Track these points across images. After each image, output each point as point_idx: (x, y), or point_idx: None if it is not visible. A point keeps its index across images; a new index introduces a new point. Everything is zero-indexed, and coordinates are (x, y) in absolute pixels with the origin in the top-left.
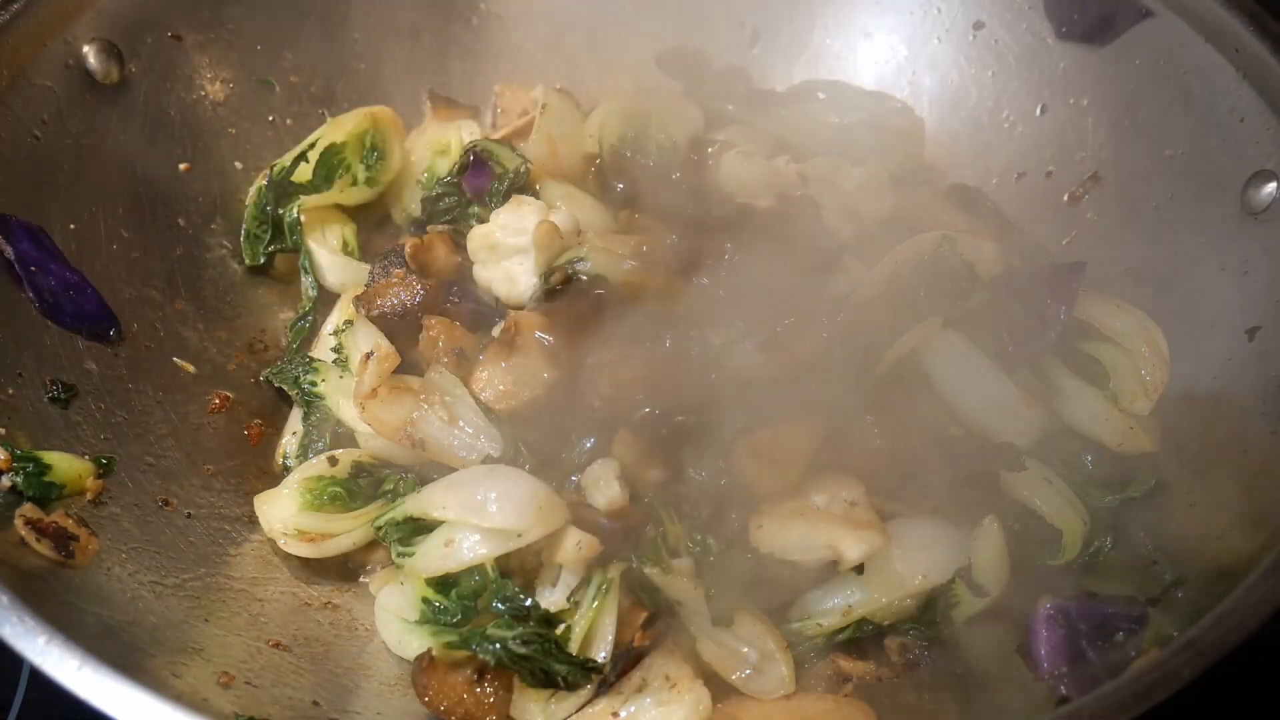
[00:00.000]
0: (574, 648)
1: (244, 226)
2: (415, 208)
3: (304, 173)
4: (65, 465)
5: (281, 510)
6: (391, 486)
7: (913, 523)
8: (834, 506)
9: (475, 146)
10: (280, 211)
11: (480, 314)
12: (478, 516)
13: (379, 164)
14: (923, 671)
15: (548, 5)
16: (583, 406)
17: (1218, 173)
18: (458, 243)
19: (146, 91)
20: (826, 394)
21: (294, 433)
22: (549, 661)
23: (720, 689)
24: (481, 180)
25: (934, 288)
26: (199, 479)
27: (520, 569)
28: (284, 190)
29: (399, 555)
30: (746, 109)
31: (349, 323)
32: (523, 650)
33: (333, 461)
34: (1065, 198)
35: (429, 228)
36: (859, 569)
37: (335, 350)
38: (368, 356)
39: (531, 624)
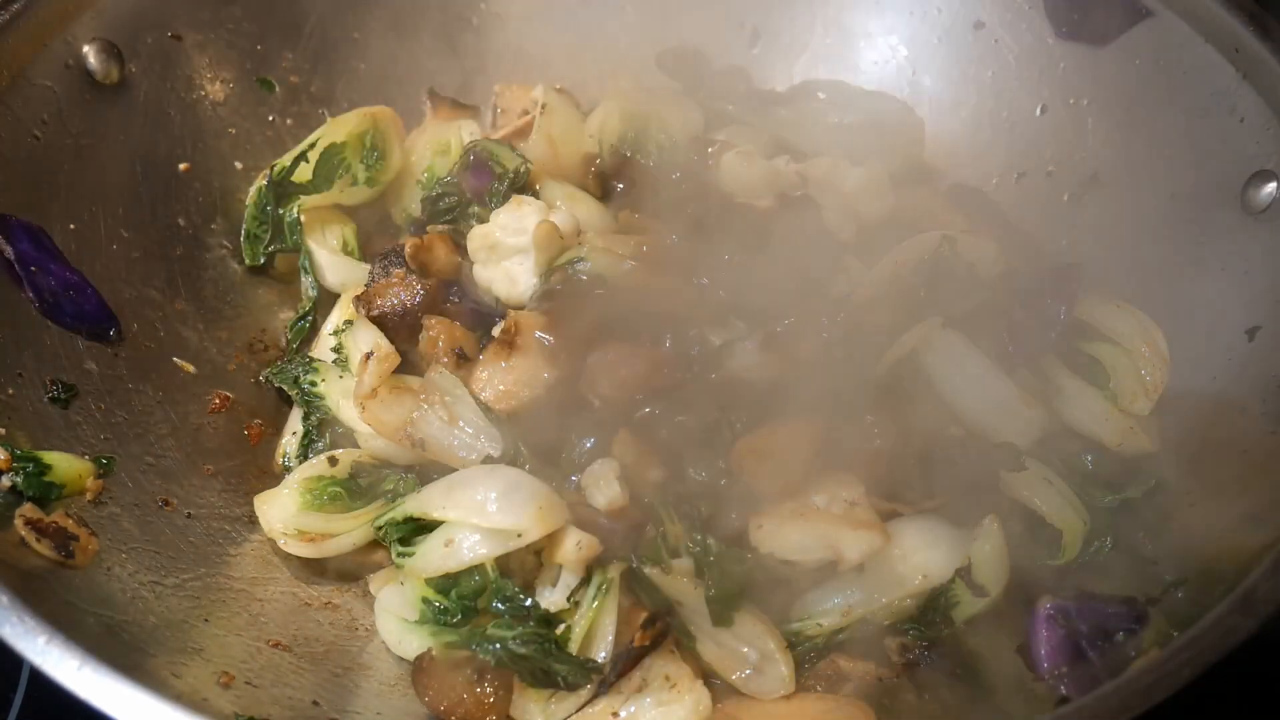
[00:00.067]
0: (574, 648)
1: (244, 226)
2: (415, 208)
3: (304, 173)
4: (65, 465)
5: (281, 510)
6: (391, 486)
7: (913, 523)
8: (834, 506)
9: (475, 146)
10: (280, 211)
11: (480, 314)
12: (478, 516)
13: (379, 164)
14: (923, 671)
15: (548, 5)
16: (583, 406)
17: (1218, 173)
18: (458, 243)
19: (146, 91)
20: (826, 394)
21: (294, 433)
22: (549, 661)
23: (720, 689)
24: (481, 180)
25: (934, 288)
26: (199, 479)
27: (520, 569)
28: (284, 190)
29: (399, 555)
30: (746, 109)
31: (349, 323)
32: (523, 650)
33: (333, 461)
34: (1065, 198)
35: (429, 228)
36: (859, 569)
37: (335, 350)
38: (368, 356)
39: (531, 624)
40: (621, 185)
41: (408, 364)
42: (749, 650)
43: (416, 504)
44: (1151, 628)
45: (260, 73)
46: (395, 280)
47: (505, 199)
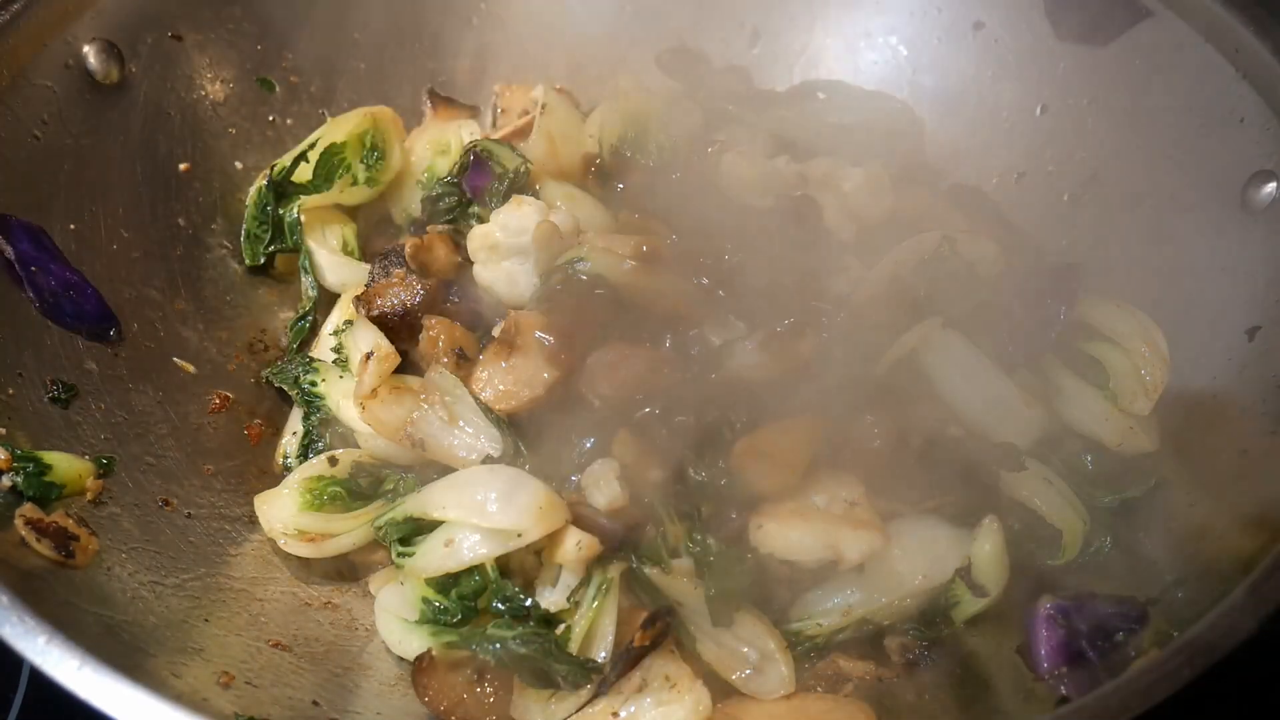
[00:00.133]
0: (574, 648)
1: (244, 226)
2: (415, 208)
3: (304, 173)
4: (65, 465)
5: (281, 510)
6: (391, 486)
7: (913, 523)
8: (834, 506)
9: (475, 146)
10: (280, 211)
11: (480, 314)
12: (478, 516)
13: (379, 164)
14: (923, 671)
15: (548, 5)
16: (583, 406)
17: (1218, 173)
18: (458, 243)
19: (146, 91)
20: (826, 394)
21: (294, 433)
22: (549, 661)
23: (720, 689)
24: (481, 180)
25: (934, 288)
26: (199, 479)
27: (520, 569)
28: (284, 190)
29: (399, 555)
30: (746, 109)
31: (349, 323)
32: (523, 650)
33: (333, 461)
34: (1065, 198)
35: (429, 228)
36: (859, 569)
37: (335, 350)
38: (368, 356)
39: (531, 624)
40: (621, 185)
41: (408, 364)
42: (749, 650)
43: (416, 504)
44: (1151, 628)
45: (260, 73)
46: (395, 280)
47: (505, 199)
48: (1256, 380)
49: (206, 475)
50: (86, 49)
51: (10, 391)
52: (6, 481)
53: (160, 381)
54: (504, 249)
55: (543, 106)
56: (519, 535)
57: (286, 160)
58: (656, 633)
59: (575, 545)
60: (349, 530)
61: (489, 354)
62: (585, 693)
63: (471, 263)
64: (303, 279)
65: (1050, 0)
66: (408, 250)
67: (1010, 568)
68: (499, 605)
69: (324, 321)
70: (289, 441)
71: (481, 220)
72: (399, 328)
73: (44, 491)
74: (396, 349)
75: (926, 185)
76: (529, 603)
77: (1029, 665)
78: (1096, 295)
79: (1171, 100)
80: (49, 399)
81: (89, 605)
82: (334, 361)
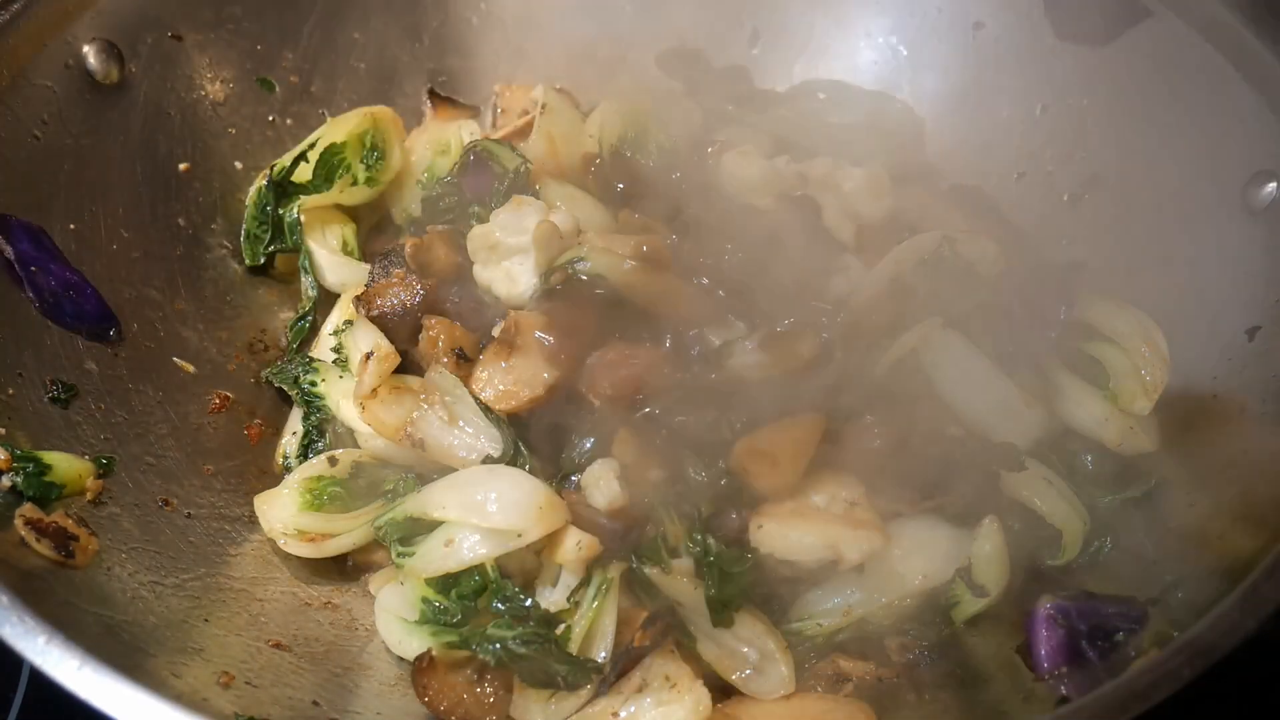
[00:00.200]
0: (574, 648)
1: (244, 226)
2: (415, 208)
3: (304, 173)
4: (65, 465)
5: (281, 510)
6: (391, 486)
7: (913, 523)
8: (834, 506)
9: (475, 146)
10: (280, 211)
11: (480, 314)
12: (478, 516)
13: (379, 164)
14: (923, 671)
15: (548, 5)
16: (583, 406)
17: (1218, 173)
18: (458, 243)
19: (146, 91)
20: (826, 394)
21: (294, 433)
22: (549, 661)
23: (720, 689)
24: (481, 180)
25: (934, 288)
26: (199, 479)
27: (520, 569)
28: (284, 190)
29: (399, 555)
30: (746, 109)
31: (349, 323)
32: (523, 650)
33: (333, 461)
34: (1065, 198)
35: (429, 228)
36: (859, 569)
37: (335, 350)
38: (368, 356)
39: (531, 624)
40: (621, 185)
41: (408, 364)
42: (749, 650)
43: (416, 504)
44: (1151, 628)
45: (260, 73)
46: (395, 280)
47: (505, 199)
48: (1256, 380)
49: (206, 475)
50: (86, 49)
51: (10, 391)
52: (6, 481)
53: (160, 381)
54: (504, 249)
55: (543, 106)
56: (519, 535)
57: (286, 160)
58: (656, 633)
59: (575, 545)
60: (349, 530)
61: (489, 354)
62: (585, 693)
63: (471, 263)
64: (303, 279)
65: (1050, 0)
66: (408, 250)
67: (1010, 568)
68: (499, 605)
69: (324, 321)
70: (289, 441)
71: (481, 220)
72: (399, 328)
73: (44, 491)
74: (396, 349)
75: (926, 185)
76: (529, 603)
77: (1029, 665)
78: (1096, 295)
79: (1171, 100)
80: (49, 399)
81: (89, 605)
82: (334, 361)
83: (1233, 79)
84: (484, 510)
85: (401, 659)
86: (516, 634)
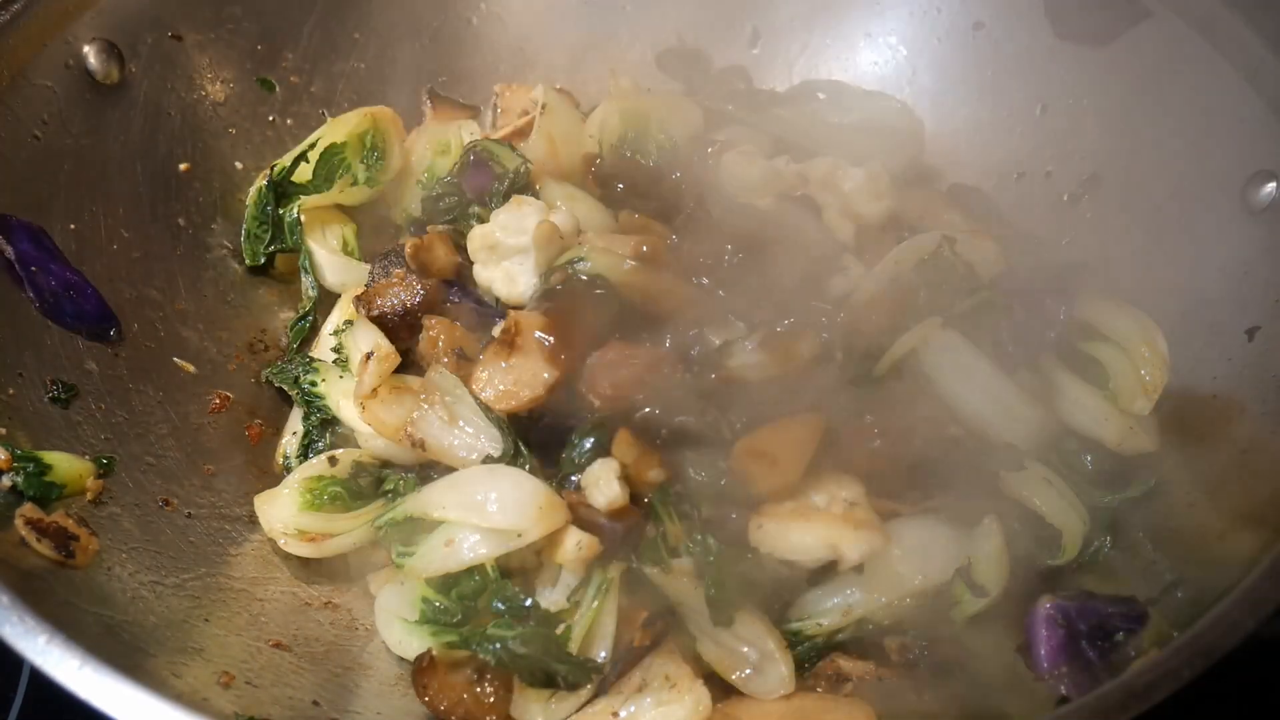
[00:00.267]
0: (574, 648)
1: (244, 226)
2: (415, 208)
3: (304, 173)
4: (66, 465)
5: (282, 510)
6: (391, 486)
7: (913, 523)
8: (834, 506)
9: (475, 146)
10: (280, 211)
11: (480, 314)
12: (478, 516)
13: (379, 164)
14: (923, 671)
15: (548, 5)
16: (583, 406)
17: (1218, 173)
18: (458, 243)
19: (146, 91)
20: (826, 394)
21: (294, 433)
22: (549, 661)
23: (720, 689)
24: (481, 180)
25: (934, 288)
26: (199, 479)
27: (520, 569)
28: (284, 190)
29: (399, 555)
30: (746, 109)
31: (349, 323)
32: (523, 650)
33: (333, 461)
34: (1065, 198)
35: (429, 228)
36: (859, 569)
37: (335, 350)
38: (368, 356)
39: (531, 624)
40: (621, 185)
41: (408, 364)
42: (749, 650)
43: (416, 504)
44: (1151, 628)
45: (260, 73)
46: (395, 280)
47: (505, 199)
48: (1256, 380)
49: (207, 475)
50: (86, 49)
51: (10, 391)
52: (7, 481)
53: (160, 381)
54: (504, 249)
55: (543, 106)
56: (519, 535)
57: (286, 160)
58: (656, 633)
59: (575, 545)
60: (349, 530)
61: (489, 354)
62: (585, 692)
63: (471, 263)
64: (303, 279)
65: (1050, 0)
66: (408, 250)
67: (1010, 568)
68: (499, 605)
69: (324, 321)
70: (289, 441)
71: (481, 220)
72: (399, 328)
73: (44, 491)
74: (396, 349)
75: (926, 185)
76: (529, 603)
77: (1029, 665)
78: (1096, 295)
79: (1171, 100)
80: (49, 399)
81: (89, 605)
82: (334, 361)
83: (1233, 79)
84: (484, 510)
85: (401, 659)
86: (516, 634)
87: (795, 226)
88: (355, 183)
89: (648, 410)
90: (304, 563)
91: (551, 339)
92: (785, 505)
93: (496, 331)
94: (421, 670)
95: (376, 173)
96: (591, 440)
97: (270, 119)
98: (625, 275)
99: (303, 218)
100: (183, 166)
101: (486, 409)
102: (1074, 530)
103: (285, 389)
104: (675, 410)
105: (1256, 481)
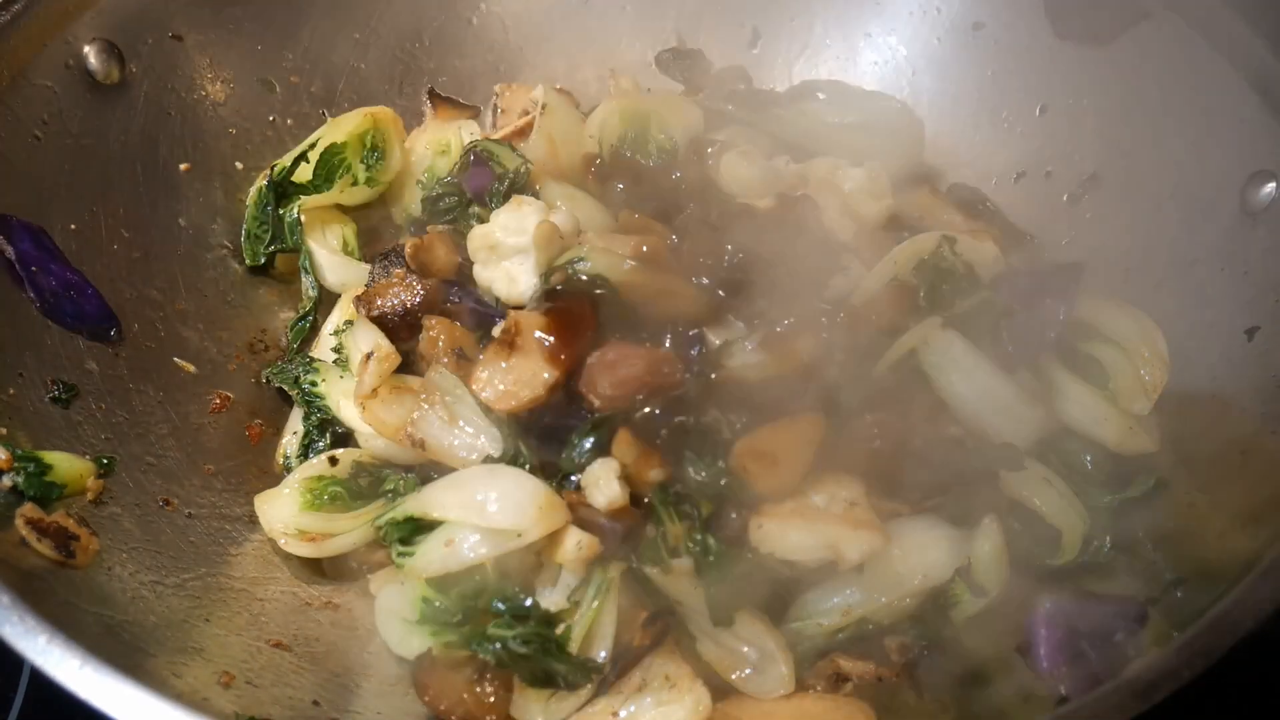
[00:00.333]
0: (574, 648)
1: (244, 226)
2: (415, 208)
3: (304, 173)
4: (66, 465)
5: (282, 510)
6: (391, 486)
7: (913, 523)
8: (834, 506)
9: (475, 146)
10: (280, 211)
11: (480, 314)
12: (478, 516)
13: (379, 164)
14: (923, 671)
15: (548, 5)
16: (583, 406)
17: (1218, 173)
18: (458, 243)
19: (146, 91)
20: (826, 394)
21: (294, 433)
22: (549, 661)
23: (720, 689)
24: (481, 180)
25: (934, 288)
26: (199, 479)
27: (520, 569)
28: (284, 190)
29: (399, 555)
30: (746, 109)
31: (349, 323)
32: (523, 650)
33: (333, 461)
34: (1065, 198)
35: (429, 228)
36: (859, 569)
37: (335, 350)
38: (368, 356)
39: (531, 624)
40: (621, 185)
41: (408, 364)
42: (749, 650)
43: (416, 504)
44: (1151, 628)
45: (260, 73)
46: (395, 280)
47: (505, 199)
48: (1256, 380)
49: (207, 475)
50: (86, 49)
51: (11, 391)
52: (7, 481)
53: (161, 381)
54: (504, 249)
55: (543, 106)
56: (519, 535)
57: (287, 160)
58: (656, 633)
59: (575, 545)
60: (349, 530)
61: (489, 354)
62: (585, 692)
63: (471, 263)
64: (303, 279)
65: (1050, 0)
66: (408, 250)
67: (1010, 568)
68: (499, 605)
69: (324, 321)
70: (289, 441)
71: (481, 220)
72: (399, 328)
73: (44, 491)
74: (397, 349)
75: (926, 185)
76: (529, 603)
77: (1029, 665)
78: (1096, 295)
79: (1171, 100)
80: (50, 399)
81: (89, 605)
82: (334, 361)
83: (1233, 79)
84: (484, 510)
85: (402, 659)
86: (516, 634)
87: (795, 226)
88: (355, 183)
89: (648, 410)
90: (304, 562)
91: (551, 339)
92: (785, 505)
93: (496, 331)
94: (422, 670)
95: (377, 173)
96: (591, 440)
97: (270, 119)
98: (625, 275)
99: (303, 218)
100: (183, 166)
101: (486, 409)
102: (1074, 530)
103: (285, 389)
104: (675, 410)
105: (1256, 481)
